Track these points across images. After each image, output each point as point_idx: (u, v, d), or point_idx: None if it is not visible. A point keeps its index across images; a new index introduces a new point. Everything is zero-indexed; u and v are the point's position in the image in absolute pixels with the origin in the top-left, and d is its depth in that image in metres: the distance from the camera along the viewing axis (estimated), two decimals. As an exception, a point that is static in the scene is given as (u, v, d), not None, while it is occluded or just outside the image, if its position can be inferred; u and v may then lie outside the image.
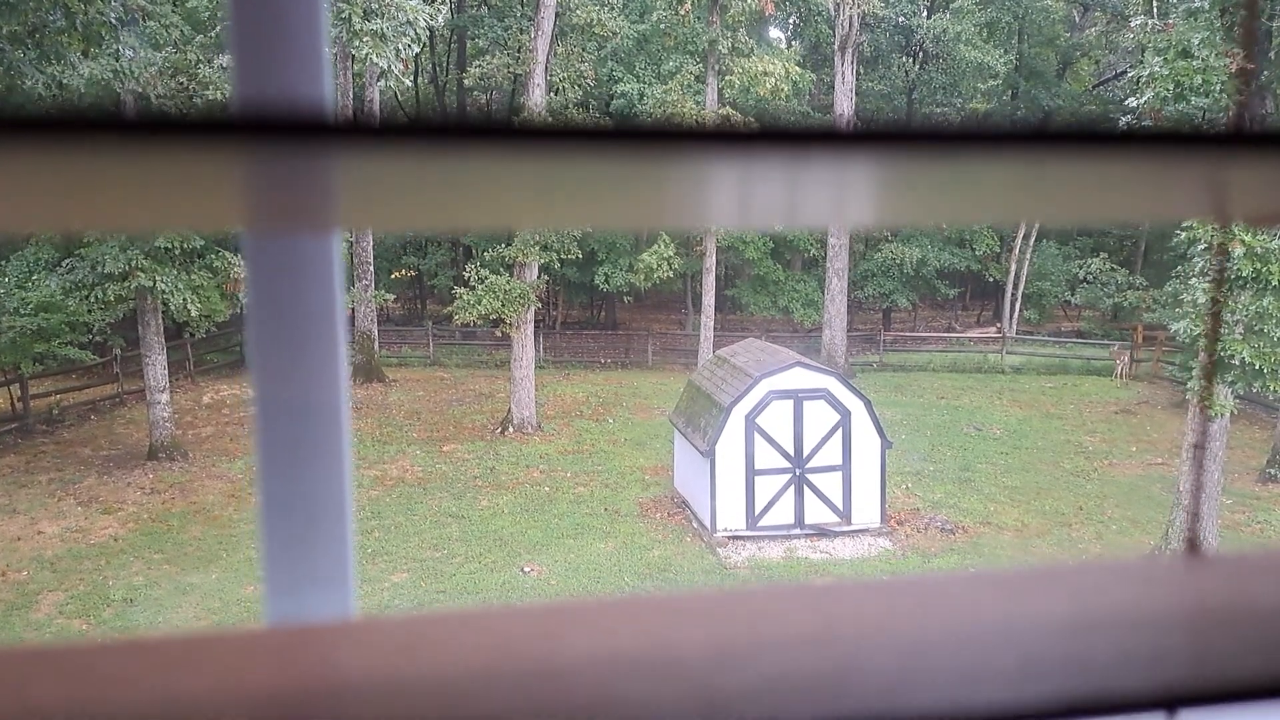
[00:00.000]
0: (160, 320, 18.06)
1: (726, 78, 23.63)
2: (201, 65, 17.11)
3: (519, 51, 23.97)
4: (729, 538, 14.06)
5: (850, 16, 25.79)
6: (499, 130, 0.30)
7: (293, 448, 0.58)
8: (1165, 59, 12.99)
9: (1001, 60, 29.67)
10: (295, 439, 0.58)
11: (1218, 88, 12.84)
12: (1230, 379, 12.44)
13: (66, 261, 17.64)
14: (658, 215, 0.49)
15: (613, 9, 25.52)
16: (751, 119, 23.43)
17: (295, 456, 0.58)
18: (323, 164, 0.30)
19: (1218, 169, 0.40)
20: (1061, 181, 0.43)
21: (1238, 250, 11.74)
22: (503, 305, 19.09)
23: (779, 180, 0.39)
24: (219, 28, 18.31)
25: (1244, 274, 11.73)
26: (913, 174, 0.39)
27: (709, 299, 23.85)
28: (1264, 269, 11.57)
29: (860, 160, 0.37)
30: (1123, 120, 13.92)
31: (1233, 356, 12.09)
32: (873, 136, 0.35)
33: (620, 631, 0.50)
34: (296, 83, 0.52)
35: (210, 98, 16.88)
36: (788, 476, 14.27)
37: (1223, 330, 12.31)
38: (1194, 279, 13.38)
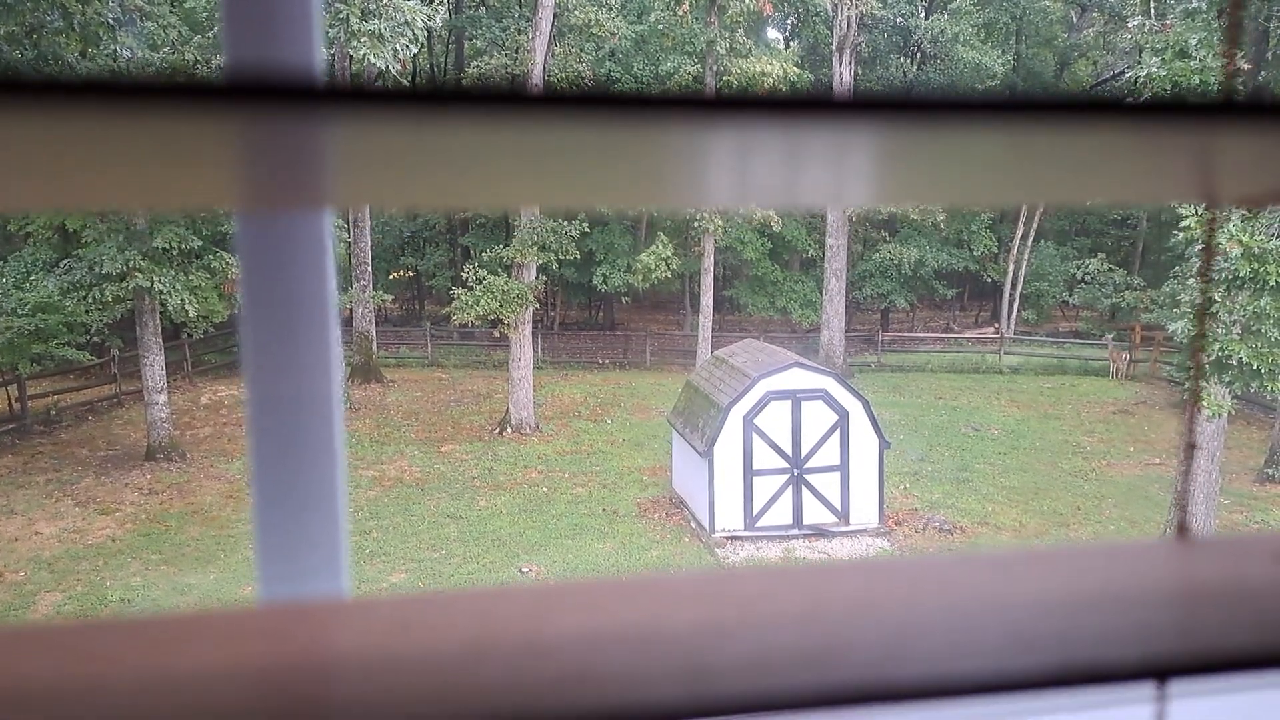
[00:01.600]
0: (158, 321, 18.05)
1: (724, 78, 23.64)
2: (200, 66, 17.10)
3: (517, 52, 24.00)
4: (727, 538, 14.06)
5: (848, 17, 25.82)
6: (494, 96, 0.30)
7: (285, 431, 0.58)
8: (1163, 59, 13.01)
9: (999, 61, 29.71)
10: (288, 422, 0.58)
11: (1215, 88, 12.86)
12: (1228, 379, 12.45)
13: (64, 262, 17.64)
14: (656, 186, 0.49)
15: (611, 9, 25.53)
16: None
17: (288, 440, 0.58)
18: (314, 132, 0.30)
19: (1212, 140, 0.40)
20: (1057, 154, 0.43)
21: (1235, 251, 11.75)
22: (501, 306, 19.09)
23: (777, 149, 0.38)
24: (216, 28, 18.29)
25: (1241, 274, 11.75)
26: (907, 143, 0.39)
27: (707, 299, 23.86)
28: (1261, 269, 11.58)
29: (857, 129, 0.36)
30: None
31: (1230, 356, 12.10)
32: (869, 105, 0.35)
33: (609, 610, 0.50)
34: (287, 50, 0.52)
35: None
36: (786, 477, 14.28)
37: (1220, 330, 12.32)
38: (1192, 279, 13.40)
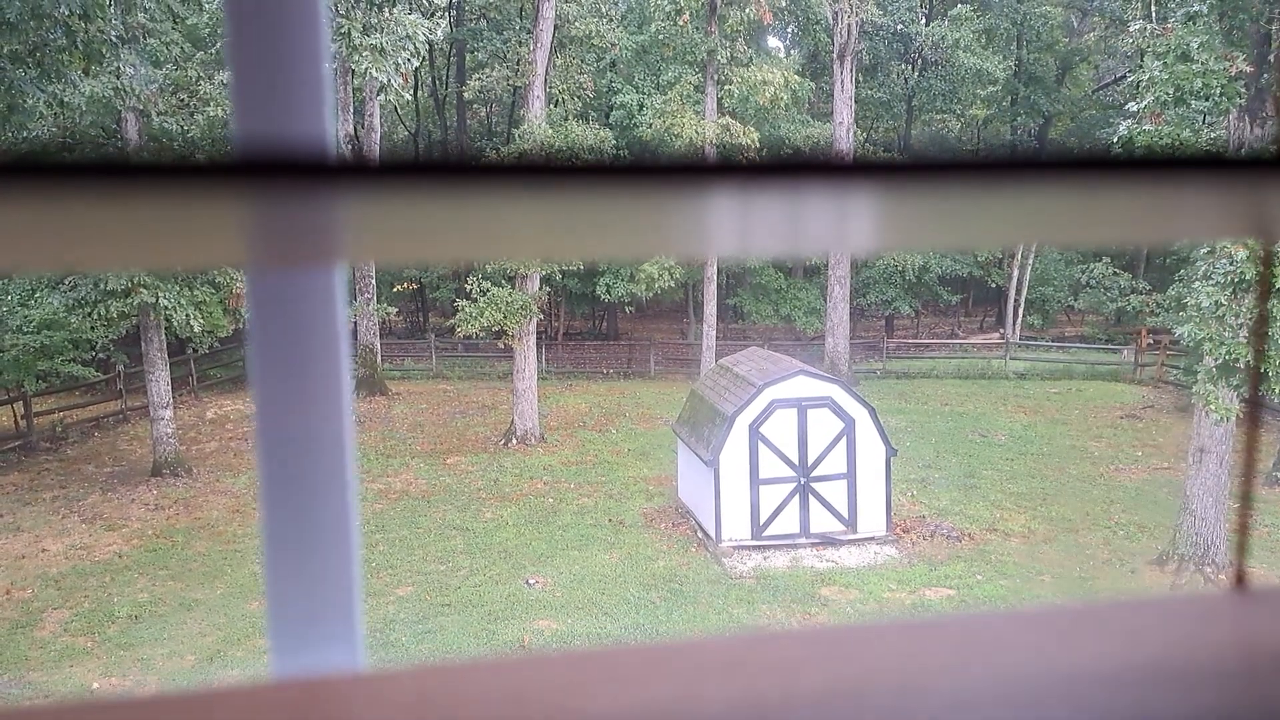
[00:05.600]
0: (163, 336, 18.07)
1: (725, 87, 23.67)
2: (202, 82, 17.16)
3: (518, 64, 24.04)
4: (734, 547, 14.01)
5: (848, 25, 25.85)
6: (501, 169, 0.30)
7: (296, 488, 0.56)
8: (1164, 63, 12.99)
9: (1000, 66, 29.70)
10: (299, 480, 0.56)
11: (1217, 91, 12.84)
12: (1235, 383, 12.39)
13: (69, 279, 17.67)
14: (658, 241, 0.47)
15: (611, 20, 25.59)
16: (751, 128, 23.44)
17: (299, 498, 0.56)
18: (325, 205, 0.30)
19: (1225, 193, 0.39)
20: (1066, 208, 0.41)
21: (1240, 253, 11.71)
22: (505, 317, 19.09)
23: (780, 211, 0.37)
24: (219, 44, 18.36)
25: (1247, 277, 11.70)
26: (914, 204, 0.37)
27: (710, 308, 23.84)
28: (1268, 272, 11.53)
29: (860, 191, 0.35)
30: (1123, 125, 13.92)
31: (1237, 360, 12.04)
32: (872, 167, 0.34)
33: (645, 682, 0.47)
34: (298, 120, 0.50)
35: (211, 114, 16.92)
36: (792, 485, 14.23)
37: (1226, 333, 12.27)
38: (1198, 282, 13.34)
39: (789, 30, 34.19)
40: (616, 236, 0.43)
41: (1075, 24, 34.86)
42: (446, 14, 27.25)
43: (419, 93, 31.70)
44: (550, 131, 20.61)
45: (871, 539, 14.34)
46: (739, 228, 0.43)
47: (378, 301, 23.90)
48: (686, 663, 0.49)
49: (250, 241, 0.37)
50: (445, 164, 0.29)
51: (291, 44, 0.50)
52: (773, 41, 35.17)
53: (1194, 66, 12.80)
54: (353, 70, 17.52)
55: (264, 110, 0.51)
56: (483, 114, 34.48)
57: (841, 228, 0.45)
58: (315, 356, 0.55)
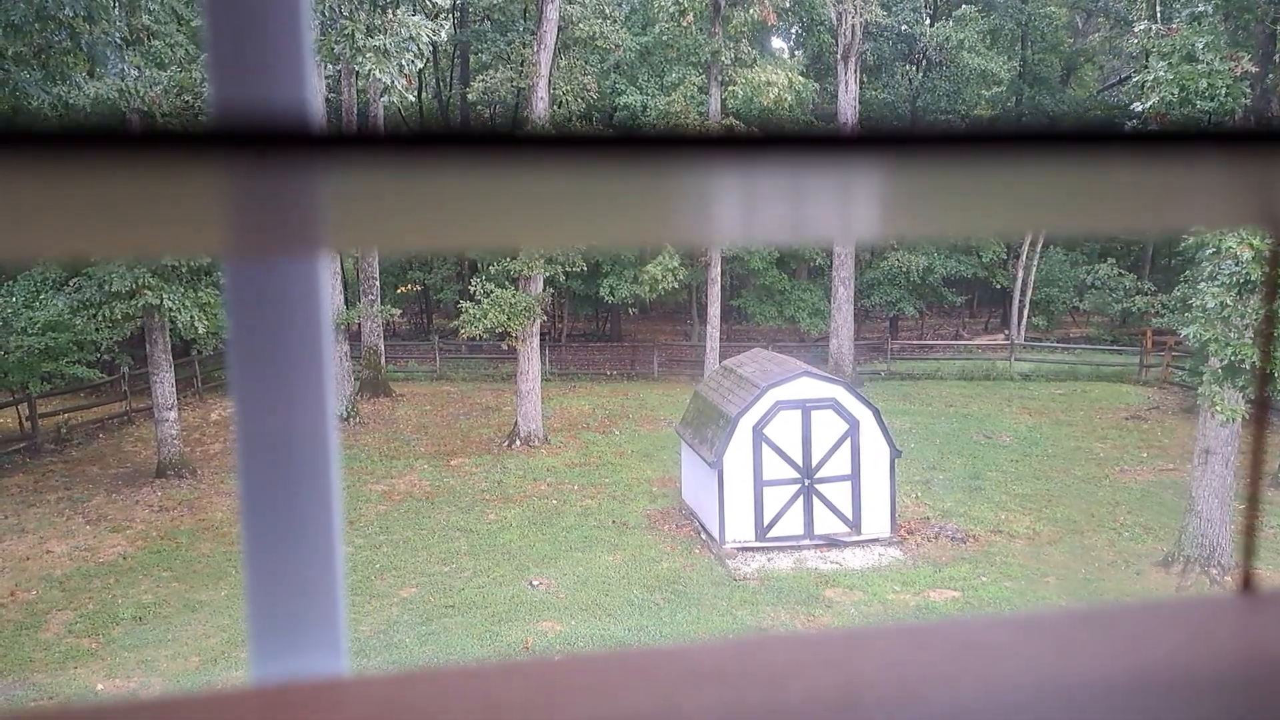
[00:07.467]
0: (168, 338, 18.09)
1: (729, 88, 23.65)
2: (206, 84, 17.16)
3: (522, 65, 24.06)
4: (738, 549, 13.99)
5: (853, 25, 25.82)
6: (494, 139, 0.29)
7: (278, 490, 0.55)
8: (1170, 63, 12.96)
9: (1005, 67, 29.64)
10: (280, 481, 0.55)
11: (1223, 91, 12.80)
12: (1241, 383, 12.34)
13: (74, 280, 17.70)
14: (661, 228, 0.46)
15: (615, 22, 25.58)
16: (755, 129, 23.43)
17: (282, 510, 0.54)
18: (306, 177, 0.29)
19: (1250, 170, 0.37)
20: (1080, 186, 0.40)
21: (1246, 254, 11.67)
22: (508, 318, 19.09)
23: (783, 188, 0.35)
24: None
25: (1253, 278, 11.66)
26: (920, 179, 0.35)
27: (714, 309, 23.81)
28: (1274, 272, 11.48)
29: (865, 165, 0.34)
30: (1128, 126, 13.88)
31: (1243, 361, 12.00)
32: (877, 140, 0.34)
33: (624, 692, 0.45)
34: (278, 89, 0.48)
35: (215, 115, 16.92)
36: (796, 487, 14.20)
37: (1232, 335, 12.22)
38: (1203, 283, 13.29)
39: (793, 31, 34.15)
40: (615, 210, 0.41)
41: (1080, 25, 34.80)
42: (450, 15, 27.28)
43: (423, 94, 31.73)
44: (554, 133, 20.58)
45: (876, 540, 14.30)
46: (743, 200, 0.42)
47: (382, 303, 23.91)
48: (669, 670, 0.47)
49: (227, 218, 0.35)
50: (431, 134, 0.28)
51: (269, 7, 0.48)
52: (777, 42, 35.14)
53: (1199, 67, 12.77)
54: (356, 72, 17.52)
55: (241, 77, 0.50)
56: (486, 115, 34.50)
57: (845, 200, 0.44)
58: (297, 351, 0.53)
